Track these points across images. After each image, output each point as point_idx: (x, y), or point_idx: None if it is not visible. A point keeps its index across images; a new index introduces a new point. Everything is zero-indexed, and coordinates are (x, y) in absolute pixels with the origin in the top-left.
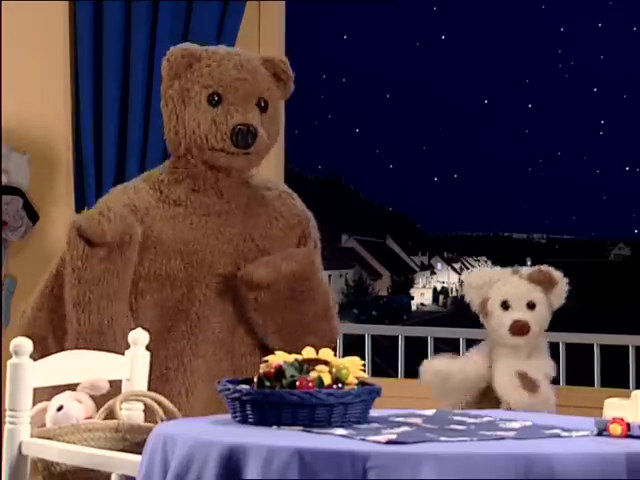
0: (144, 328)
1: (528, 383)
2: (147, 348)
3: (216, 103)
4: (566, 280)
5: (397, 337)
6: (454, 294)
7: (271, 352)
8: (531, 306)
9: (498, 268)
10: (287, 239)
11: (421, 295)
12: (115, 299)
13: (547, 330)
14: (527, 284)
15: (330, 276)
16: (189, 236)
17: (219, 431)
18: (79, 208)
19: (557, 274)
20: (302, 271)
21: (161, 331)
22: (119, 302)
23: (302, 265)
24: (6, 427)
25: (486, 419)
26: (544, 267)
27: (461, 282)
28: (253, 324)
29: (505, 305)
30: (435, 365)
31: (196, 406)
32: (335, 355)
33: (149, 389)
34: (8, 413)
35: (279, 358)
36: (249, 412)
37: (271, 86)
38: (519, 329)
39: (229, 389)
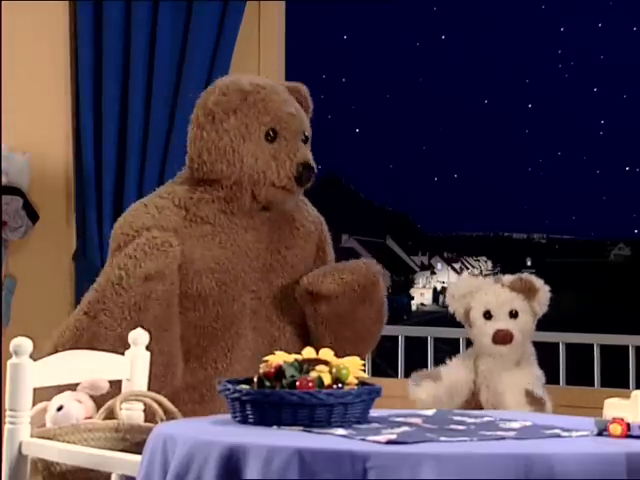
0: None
1: (535, 400)
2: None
3: (272, 139)
4: (547, 288)
5: (397, 337)
6: None
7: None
8: (514, 315)
9: (480, 277)
10: (307, 246)
11: (421, 295)
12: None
13: (547, 330)
14: (509, 293)
15: None
16: (220, 254)
17: (219, 431)
18: (79, 208)
19: (538, 282)
20: (365, 284)
21: (197, 351)
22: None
23: (366, 277)
24: (6, 427)
25: (486, 419)
26: (525, 275)
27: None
28: (310, 333)
29: (487, 315)
30: (420, 394)
31: None
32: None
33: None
34: (8, 413)
35: (279, 358)
36: (249, 412)
37: (305, 118)
38: (502, 338)
39: (229, 389)
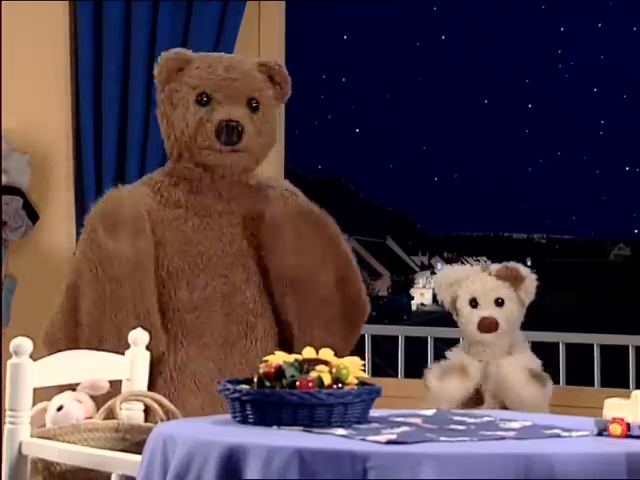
0: None
1: (538, 376)
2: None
3: (205, 103)
4: (534, 276)
5: (397, 337)
6: None
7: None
8: (500, 303)
9: (468, 266)
10: None
11: (421, 295)
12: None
13: (547, 330)
14: (495, 281)
15: None
16: (192, 237)
17: (219, 431)
18: (79, 208)
19: (524, 270)
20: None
21: (166, 334)
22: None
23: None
24: (6, 427)
25: (486, 419)
26: (511, 264)
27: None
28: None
29: (473, 303)
30: (450, 389)
31: (197, 406)
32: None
33: (153, 388)
34: (8, 413)
35: (279, 358)
36: (249, 412)
37: (264, 87)
38: (487, 326)
39: (229, 389)
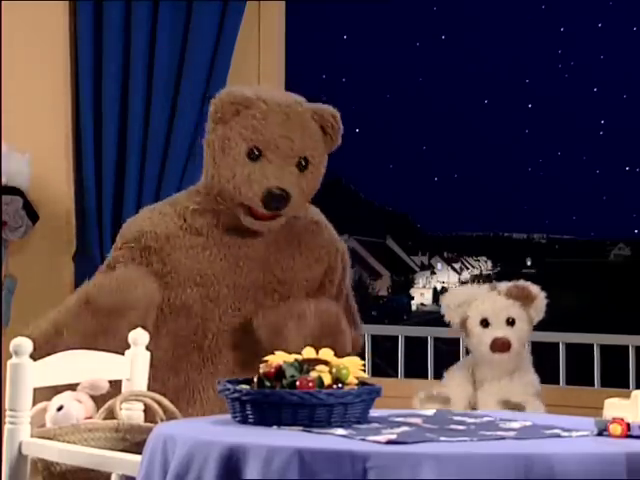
0: (158, 356)
1: (514, 408)
2: (156, 376)
3: (255, 158)
4: (544, 294)
5: (397, 337)
6: None
7: None
8: (511, 322)
9: (475, 286)
10: (310, 271)
11: (421, 295)
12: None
13: (547, 330)
14: (505, 300)
15: None
16: (206, 268)
17: (219, 431)
18: (79, 208)
19: (535, 288)
20: (329, 328)
21: (172, 361)
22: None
23: (329, 322)
24: (6, 427)
25: (486, 419)
26: (521, 282)
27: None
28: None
29: (485, 323)
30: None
31: None
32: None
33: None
34: (8, 413)
35: (279, 358)
36: (249, 412)
37: (317, 144)
38: (500, 346)
39: (229, 389)
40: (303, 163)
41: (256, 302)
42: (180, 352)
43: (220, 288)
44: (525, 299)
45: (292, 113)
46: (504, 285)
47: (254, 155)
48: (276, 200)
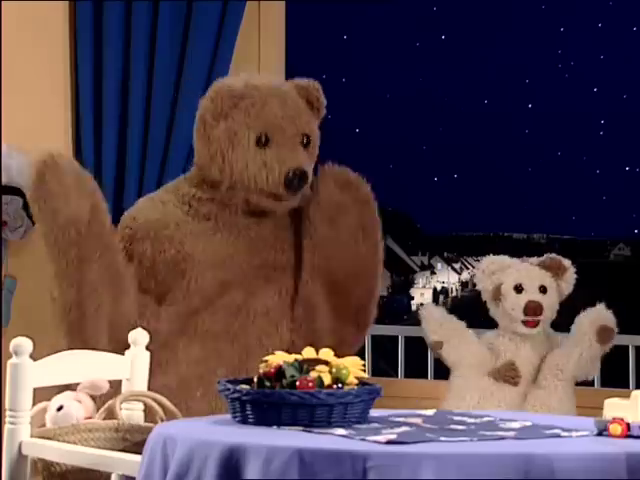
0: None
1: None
2: (150, 350)
3: (264, 144)
4: (574, 268)
5: (397, 337)
6: (454, 294)
7: None
8: (543, 290)
9: (507, 257)
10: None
11: (421, 295)
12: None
13: None
14: (539, 270)
15: None
16: (220, 250)
17: (219, 431)
18: None
19: (566, 261)
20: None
21: (174, 342)
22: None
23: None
24: (6, 427)
25: (486, 419)
26: (553, 255)
27: (462, 281)
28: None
29: (518, 288)
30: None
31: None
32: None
33: (155, 390)
34: (8, 413)
35: (279, 358)
36: (249, 412)
37: (310, 119)
38: (533, 309)
39: (229, 389)
40: (305, 140)
41: (270, 280)
42: (187, 329)
43: (234, 269)
44: (557, 270)
45: (284, 94)
46: (534, 259)
47: (262, 142)
48: (299, 181)
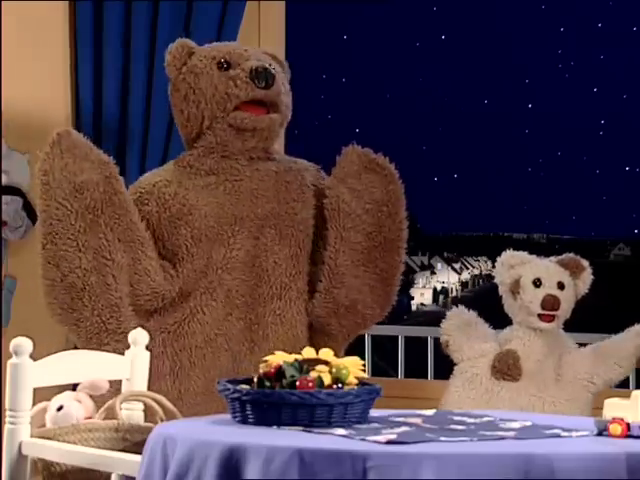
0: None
1: None
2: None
3: (227, 68)
4: (591, 270)
5: (397, 337)
6: (454, 294)
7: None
8: (561, 287)
9: (526, 253)
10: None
11: (421, 295)
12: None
13: None
14: (557, 266)
15: None
16: (224, 200)
17: (219, 431)
18: None
19: (585, 262)
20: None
21: (179, 299)
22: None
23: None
24: (6, 427)
25: (486, 419)
26: (572, 254)
27: (461, 283)
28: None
29: (537, 283)
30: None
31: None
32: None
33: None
34: (8, 413)
35: (279, 358)
36: (249, 412)
37: (273, 63)
38: (551, 304)
39: (229, 389)
40: (273, 66)
41: (276, 229)
42: (193, 286)
43: (239, 217)
44: (575, 268)
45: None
46: (554, 257)
47: (224, 67)
48: (263, 74)
